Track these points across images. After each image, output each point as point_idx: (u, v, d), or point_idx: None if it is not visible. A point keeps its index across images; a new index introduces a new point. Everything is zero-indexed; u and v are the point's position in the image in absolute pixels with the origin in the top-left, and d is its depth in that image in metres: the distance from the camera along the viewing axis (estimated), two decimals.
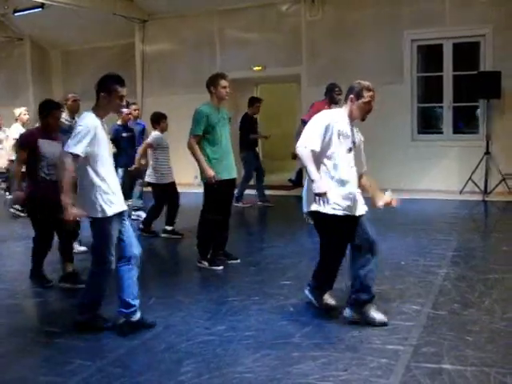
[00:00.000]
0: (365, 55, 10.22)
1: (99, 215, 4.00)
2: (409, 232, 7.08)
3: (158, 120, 7.56)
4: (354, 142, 4.23)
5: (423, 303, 4.50)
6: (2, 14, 12.76)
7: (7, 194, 10.67)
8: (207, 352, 3.75)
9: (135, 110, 9.82)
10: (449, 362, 3.46)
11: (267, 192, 9.97)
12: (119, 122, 8.71)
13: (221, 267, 5.75)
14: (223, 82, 5.64)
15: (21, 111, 9.57)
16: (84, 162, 3.98)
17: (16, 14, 12.73)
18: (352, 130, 4.24)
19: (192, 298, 4.89)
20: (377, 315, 4.11)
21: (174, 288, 5.25)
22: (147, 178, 7.68)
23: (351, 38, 10.45)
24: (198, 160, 5.63)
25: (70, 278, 5.39)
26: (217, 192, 5.65)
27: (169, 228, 7.54)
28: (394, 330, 3.98)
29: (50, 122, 5.33)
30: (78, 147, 3.89)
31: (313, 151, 3.98)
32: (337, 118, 4.16)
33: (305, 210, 4.26)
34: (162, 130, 7.57)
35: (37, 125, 5.59)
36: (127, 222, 4.24)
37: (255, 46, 11.47)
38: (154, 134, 7.56)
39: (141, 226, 7.65)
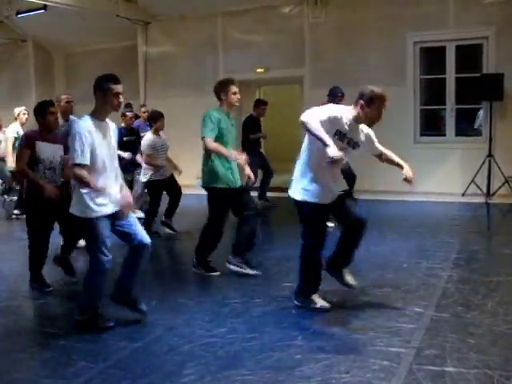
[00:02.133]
0: (367, 57, 10.21)
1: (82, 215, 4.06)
2: (411, 234, 7.07)
3: (156, 119, 7.57)
4: (350, 143, 4.24)
5: (426, 306, 4.49)
6: (5, 15, 12.79)
7: (5, 196, 10.64)
8: (209, 354, 3.75)
9: (144, 112, 9.82)
10: (451, 364, 3.45)
11: (271, 194, 9.95)
12: (123, 125, 8.71)
13: (218, 272, 5.63)
14: (233, 88, 5.40)
15: (20, 110, 9.31)
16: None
17: (19, 16, 12.79)
18: (352, 132, 4.25)
19: (194, 300, 4.89)
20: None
21: (175, 290, 5.24)
22: (146, 177, 7.57)
23: (354, 40, 10.44)
24: (222, 153, 5.30)
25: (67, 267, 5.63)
26: (225, 202, 5.52)
27: (167, 221, 7.76)
28: (396, 333, 3.97)
29: (50, 119, 5.29)
30: (84, 157, 3.93)
31: (320, 122, 3.98)
32: (342, 115, 4.17)
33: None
34: (158, 129, 7.57)
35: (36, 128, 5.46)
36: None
37: (258, 48, 11.46)
38: (147, 140, 7.51)
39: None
